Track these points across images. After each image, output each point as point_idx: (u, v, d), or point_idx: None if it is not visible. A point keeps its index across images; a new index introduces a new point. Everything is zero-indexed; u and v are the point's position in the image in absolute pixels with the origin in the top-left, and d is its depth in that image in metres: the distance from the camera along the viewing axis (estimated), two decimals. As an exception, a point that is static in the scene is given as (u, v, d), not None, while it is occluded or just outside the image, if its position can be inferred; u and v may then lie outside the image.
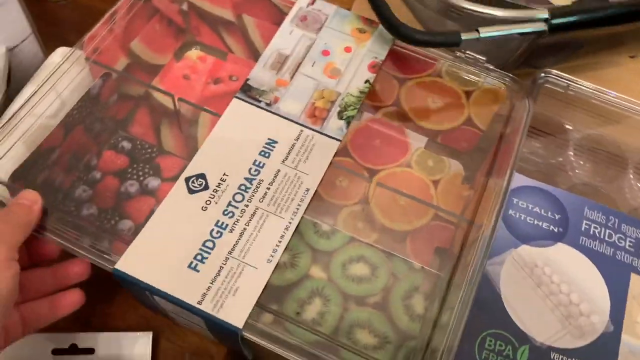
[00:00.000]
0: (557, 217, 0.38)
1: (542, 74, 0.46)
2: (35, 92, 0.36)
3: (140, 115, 0.47)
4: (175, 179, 0.45)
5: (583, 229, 0.38)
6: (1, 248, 0.29)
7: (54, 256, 0.36)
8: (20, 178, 0.36)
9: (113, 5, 0.55)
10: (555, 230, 0.38)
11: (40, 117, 0.36)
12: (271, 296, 0.40)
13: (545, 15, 0.38)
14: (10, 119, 0.35)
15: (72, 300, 0.36)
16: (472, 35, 0.38)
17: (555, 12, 0.38)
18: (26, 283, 0.34)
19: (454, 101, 0.44)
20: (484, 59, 0.41)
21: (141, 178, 0.45)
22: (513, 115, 0.40)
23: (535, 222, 0.38)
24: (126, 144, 0.46)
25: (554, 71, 0.45)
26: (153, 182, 0.45)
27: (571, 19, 0.38)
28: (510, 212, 0.39)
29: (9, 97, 0.43)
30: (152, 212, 0.43)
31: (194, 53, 0.51)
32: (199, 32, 0.50)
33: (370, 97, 0.48)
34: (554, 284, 0.37)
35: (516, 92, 0.40)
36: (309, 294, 0.41)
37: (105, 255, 0.32)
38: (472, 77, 0.41)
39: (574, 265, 0.36)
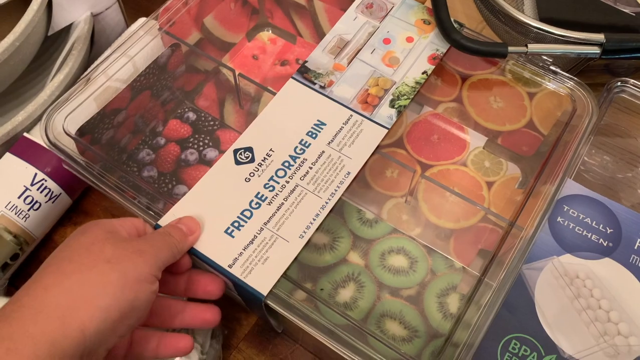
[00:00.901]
0: (609, 231, 0.36)
1: (619, 83, 0.44)
2: (110, 55, 0.39)
3: (208, 89, 0.49)
4: (231, 152, 0.47)
5: (636, 247, 0.35)
6: (152, 263, 0.29)
7: (184, 270, 0.33)
8: (87, 133, 0.39)
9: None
10: (605, 244, 0.36)
11: (111, 79, 0.39)
12: (307, 275, 0.41)
13: (601, 39, 0.37)
14: (83, 77, 0.38)
15: (181, 345, 0.32)
16: (519, 49, 0.37)
17: (611, 37, 0.37)
18: (155, 307, 0.32)
19: (516, 102, 0.43)
20: (550, 60, 0.39)
21: (201, 148, 0.47)
22: (574, 121, 0.38)
23: (584, 232, 0.37)
24: (191, 115, 0.48)
25: (632, 81, 0.43)
26: (211, 153, 0.47)
27: (626, 45, 0.37)
28: (559, 219, 0.37)
29: (91, 61, 0.47)
30: (205, 180, 0.45)
31: (265, 35, 0.53)
32: (272, 15, 0.52)
33: (432, 91, 0.48)
34: (593, 298, 0.35)
35: (581, 97, 0.38)
36: (344, 277, 0.42)
37: (150, 212, 0.34)
38: (537, 78, 0.40)
39: (619, 283, 0.34)
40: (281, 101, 0.38)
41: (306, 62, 0.40)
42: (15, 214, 0.39)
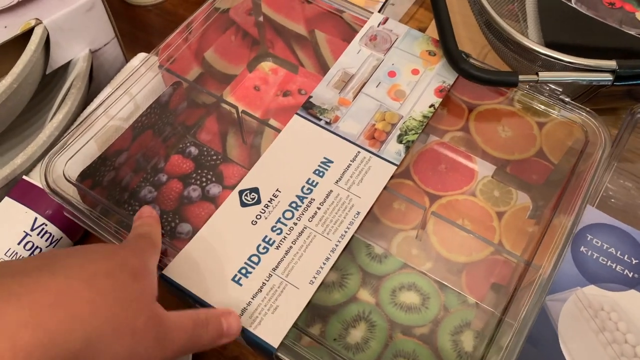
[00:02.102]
0: (634, 261, 0.35)
1: None
2: (110, 94, 0.38)
3: (209, 122, 0.48)
4: (235, 187, 0.46)
5: (659, 281, 0.34)
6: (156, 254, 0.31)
7: None
8: (88, 177, 0.38)
9: (192, 12, 0.57)
10: (631, 275, 0.35)
11: (112, 119, 0.38)
12: (316, 315, 0.40)
13: (613, 66, 0.36)
14: (83, 118, 0.37)
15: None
16: (530, 78, 0.37)
17: (623, 64, 0.36)
18: None
19: (525, 131, 0.42)
20: (560, 90, 0.39)
21: (204, 184, 0.46)
22: (588, 151, 0.37)
23: (609, 263, 0.36)
24: (193, 150, 0.47)
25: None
26: (214, 189, 0.46)
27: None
28: (582, 248, 0.36)
29: (90, 97, 0.46)
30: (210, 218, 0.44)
31: (266, 65, 0.52)
32: (273, 45, 0.51)
33: (438, 121, 0.47)
34: (619, 332, 0.34)
35: (592, 127, 0.38)
36: (354, 316, 0.40)
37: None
38: (546, 108, 0.39)
39: (643, 319, 0.33)
40: (286, 138, 0.37)
41: (311, 97, 0.39)
42: (15, 260, 0.38)
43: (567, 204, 0.35)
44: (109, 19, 0.45)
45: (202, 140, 0.48)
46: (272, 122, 0.49)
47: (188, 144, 0.48)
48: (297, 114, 0.38)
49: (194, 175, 0.46)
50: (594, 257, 0.36)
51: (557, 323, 0.33)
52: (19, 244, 0.38)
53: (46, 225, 0.39)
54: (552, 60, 0.38)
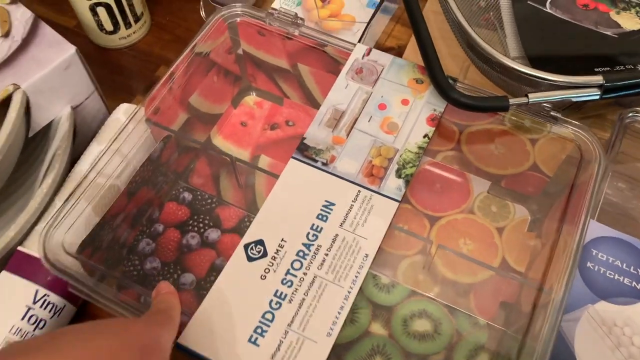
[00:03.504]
0: None
1: (630, 113, 0.44)
2: (101, 155, 0.37)
3: (200, 165, 0.48)
4: (234, 230, 0.45)
5: (667, 289, 0.35)
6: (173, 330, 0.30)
7: None
8: (88, 245, 0.37)
9: (169, 51, 0.56)
10: (639, 287, 0.35)
11: (105, 178, 0.37)
12: (331, 354, 0.40)
13: (600, 81, 0.36)
14: (78, 185, 0.36)
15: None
16: (520, 101, 0.37)
17: (609, 77, 0.36)
18: None
19: (518, 148, 0.42)
20: (549, 107, 0.39)
21: (202, 230, 0.45)
22: (584, 165, 0.38)
23: (616, 277, 0.36)
24: (187, 195, 0.47)
25: (643, 109, 0.43)
26: (213, 234, 0.45)
27: (626, 83, 0.36)
28: (589, 264, 0.36)
29: (75, 151, 0.45)
30: (212, 265, 0.44)
31: (250, 99, 0.51)
32: (255, 79, 0.50)
33: (429, 142, 0.47)
34: (634, 347, 0.35)
35: (586, 141, 0.38)
36: (369, 351, 0.40)
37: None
38: (537, 125, 0.39)
39: (656, 332, 0.33)
40: (285, 184, 0.37)
41: (304, 138, 0.39)
42: (21, 337, 0.37)
43: (571, 221, 0.36)
44: (88, 73, 0.44)
45: (194, 184, 0.47)
46: (264, 158, 0.49)
47: (181, 190, 0.47)
48: (293, 157, 0.38)
49: (191, 221, 0.46)
50: (601, 271, 0.36)
51: (573, 344, 0.34)
52: (22, 319, 0.37)
53: (48, 296, 0.38)
54: (539, 80, 0.38)
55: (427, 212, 0.46)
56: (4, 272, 0.39)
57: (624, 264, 0.36)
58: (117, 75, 0.55)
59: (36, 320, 0.38)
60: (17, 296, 0.38)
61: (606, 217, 0.40)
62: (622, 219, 0.43)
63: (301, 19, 0.43)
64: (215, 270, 0.43)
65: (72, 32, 0.57)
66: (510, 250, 0.44)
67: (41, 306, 0.38)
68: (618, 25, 0.50)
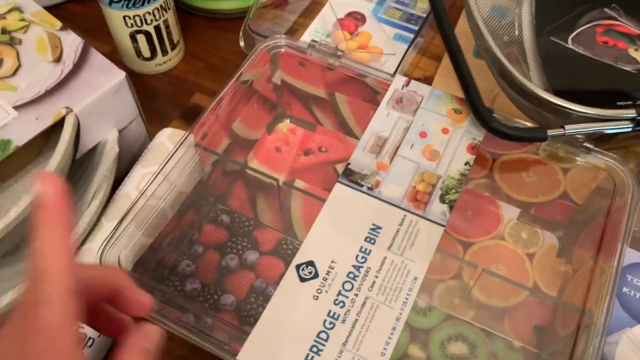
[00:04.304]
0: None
1: None
2: (152, 180, 0.38)
3: (237, 189, 0.49)
4: (272, 253, 0.46)
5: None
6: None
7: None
8: (140, 266, 0.38)
9: (203, 79, 0.58)
10: (672, 311, 0.37)
11: (155, 200, 0.39)
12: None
13: (633, 114, 0.38)
14: (130, 208, 0.37)
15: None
16: (558, 132, 0.39)
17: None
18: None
19: (550, 177, 0.44)
20: (583, 138, 0.41)
21: (240, 252, 0.46)
22: (617, 195, 0.39)
23: (651, 301, 0.38)
24: (225, 218, 0.48)
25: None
26: (252, 256, 0.46)
27: None
28: (625, 289, 0.38)
29: (115, 174, 0.46)
30: (252, 287, 0.44)
31: (284, 125, 0.53)
32: (290, 107, 0.52)
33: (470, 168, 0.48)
34: (669, 370, 0.36)
35: (619, 172, 0.40)
36: (409, 374, 0.41)
37: (225, 347, 0.33)
38: (570, 155, 0.41)
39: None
40: (332, 208, 0.38)
41: (349, 164, 0.40)
42: (70, 355, 0.38)
43: (607, 248, 0.37)
44: (134, 97, 0.45)
45: (232, 207, 0.48)
46: (298, 182, 0.50)
47: (219, 212, 0.48)
48: (339, 181, 0.39)
49: (230, 243, 0.47)
50: (637, 296, 0.38)
51: (614, 367, 0.35)
52: (71, 337, 0.38)
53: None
54: (573, 112, 0.40)
55: (460, 238, 0.47)
56: (52, 291, 0.39)
57: (659, 289, 0.38)
58: (153, 101, 0.56)
59: (85, 339, 0.38)
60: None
61: (636, 244, 0.42)
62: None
63: (341, 50, 0.45)
64: (255, 292, 0.44)
65: (107, 57, 0.59)
66: (541, 275, 0.45)
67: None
68: (636, 62, 0.53)
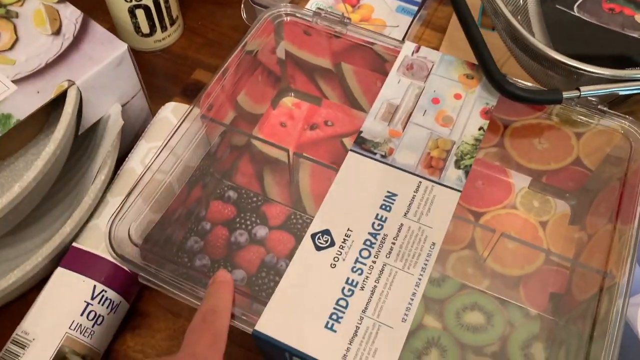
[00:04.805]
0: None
1: None
2: (159, 154, 0.37)
3: (243, 164, 0.48)
4: (282, 227, 0.45)
5: None
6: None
7: None
8: (150, 240, 0.37)
9: (203, 55, 0.56)
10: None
11: (163, 175, 0.37)
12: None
13: None
14: (136, 183, 0.36)
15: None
16: (573, 94, 0.38)
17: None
18: None
19: (562, 142, 0.43)
20: (596, 100, 0.40)
21: (249, 227, 0.45)
22: (634, 158, 0.39)
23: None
24: (232, 194, 0.47)
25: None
26: (261, 231, 0.45)
27: None
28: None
29: (120, 150, 0.44)
30: (262, 262, 0.44)
31: (288, 100, 0.52)
32: (294, 80, 0.51)
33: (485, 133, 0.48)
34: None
35: (636, 133, 0.39)
36: (424, 344, 0.41)
37: (243, 317, 0.32)
38: (585, 118, 0.41)
39: None
40: (346, 176, 0.37)
41: (361, 132, 0.39)
42: (81, 333, 0.37)
43: (627, 211, 0.37)
44: (136, 71, 0.44)
45: (239, 183, 0.47)
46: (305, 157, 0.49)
47: (226, 189, 0.47)
48: (351, 150, 0.38)
49: (238, 219, 0.46)
50: (656, 258, 0.37)
51: (637, 329, 0.35)
52: (81, 315, 0.37)
53: (105, 291, 0.38)
54: (588, 73, 0.39)
55: (472, 208, 0.47)
56: (60, 269, 0.38)
57: (677, 251, 0.37)
58: (153, 78, 0.55)
59: (95, 316, 0.37)
60: (76, 292, 0.38)
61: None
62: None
63: (348, 17, 0.44)
64: (266, 267, 0.43)
65: (105, 35, 0.57)
66: (555, 243, 0.45)
67: (99, 302, 0.38)
68: (643, 28, 0.52)
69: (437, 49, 0.56)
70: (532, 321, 0.42)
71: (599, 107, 0.40)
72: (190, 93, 0.54)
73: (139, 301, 0.42)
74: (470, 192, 0.47)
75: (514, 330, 0.41)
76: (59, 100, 0.40)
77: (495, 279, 0.43)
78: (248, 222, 0.46)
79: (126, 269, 0.38)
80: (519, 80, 0.41)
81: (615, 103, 0.46)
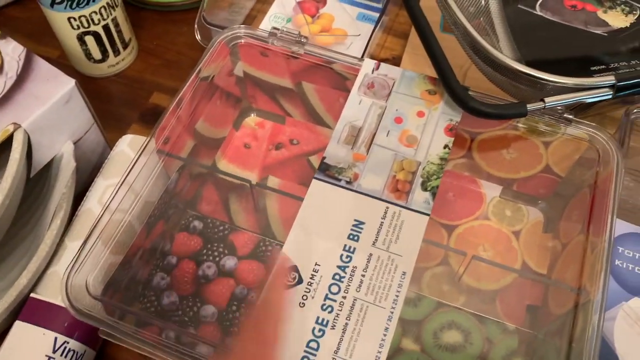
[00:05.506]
0: (664, 268, 0.36)
1: (636, 109, 0.44)
2: (115, 193, 0.36)
3: (207, 192, 0.46)
4: (251, 256, 0.44)
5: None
6: None
7: None
8: (110, 287, 0.36)
9: (160, 76, 0.55)
10: (667, 281, 0.36)
11: (121, 214, 0.36)
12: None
13: (612, 81, 0.37)
14: (93, 227, 0.34)
15: None
16: (537, 106, 0.37)
17: (621, 77, 0.37)
18: None
19: (530, 151, 0.42)
20: (562, 109, 0.39)
21: (217, 259, 0.44)
22: (602, 165, 0.38)
23: (645, 272, 0.37)
24: (197, 224, 0.45)
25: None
26: (230, 262, 0.44)
27: (638, 81, 0.37)
28: (617, 262, 0.37)
29: (75, 188, 0.43)
30: (232, 294, 0.42)
31: (251, 120, 0.50)
32: (255, 99, 0.50)
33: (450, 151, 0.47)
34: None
35: (601, 141, 0.38)
36: (404, 368, 0.40)
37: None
38: (551, 128, 0.40)
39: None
40: (311, 206, 0.36)
41: (324, 158, 0.38)
42: (45, 389, 0.35)
43: (597, 220, 0.36)
44: (87, 105, 0.42)
45: (204, 212, 0.46)
46: (272, 179, 0.48)
47: (191, 219, 0.45)
48: (316, 178, 0.37)
49: (205, 251, 0.44)
50: (630, 268, 0.37)
51: (614, 344, 0.34)
52: (44, 370, 0.35)
53: (68, 342, 0.37)
54: (552, 83, 0.38)
55: (443, 222, 0.46)
56: (18, 323, 0.37)
57: (651, 259, 0.37)
58: (108, 105, 0.53)
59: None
60: (36, 346, 0.36)
61: (622, 214, 0.41)
62: (635, 214, 0.44)
63: (305, 37, 0.43)
64: (236, 300, 0.42)
65: (56, 63, 0.54)
66: (529, 253, 0.44)
67: (62, 354, 0.36)
68: (606, 24, 0.51)
69: (400, 56, 0.55)
70: (510, 336, 0.41)
71: (564, 115, 0.39)
72: (149, 118, 0.52)
73: (108, 347, 0.41)
74: (442, 205, 0.46)
75: (492, 347, 0.41)
76: (5, 145, 0.38)
77: (471, 295, 0.42)
78: (216, 253, 0.44)
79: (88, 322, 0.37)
80: (483, 93, 0.40)
81: (582, 108, 0.46)
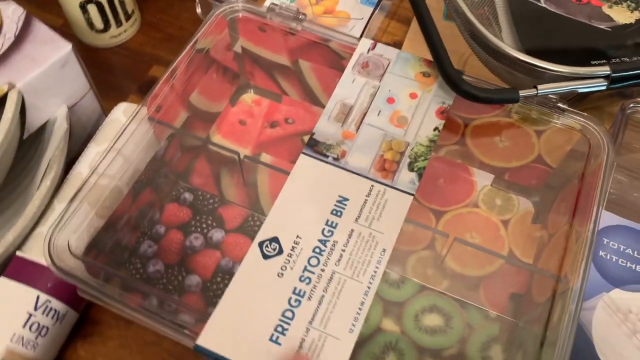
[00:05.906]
0: (649, 260, 0.36)
1: (632, 104, 0.44)
2: (104, 157, 0.36)
3: (199, 165, 0.46)
4: (239, 230, 0.44)
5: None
6: None
7: None
8: (93, 248, 0.36)
9: (161, 50, 0.55)
10: (651, 274, 0.36)
11: (108, 179, 0.36)
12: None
13: (607, 72, 0.37)
14: (80, 188, 0.35)
15: None
16: (530, 92, 0.37)
17: (616, 68, 0.37)
18: None
19: (523, 140, 0.42)
20: (556, 98, 0.39)
21: (205, 231, 0.44)
22: (592, 157, 0.38)
23: (628, 264, 0.36)
24: (188, 196, 0.46)
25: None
26: (217, 234, 0.44)
27: (632, 74, 0.37)
28: (601, 253, 0.37)
29: (69, 152, 0.43)
30: (218, 266, 0.43)
31: (248, 96, 0.51)
32: (253, 76, 0.50)
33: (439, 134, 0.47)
34: (648, 334, 0.35)
35: (593, 132, 0.38)
36: (382, 348, 0.40)
37: (185, 331, 0.31)
38: (544, 117, 0.40)
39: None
40: (296, 180, 0.36)
41: (314, 134, 0.38)
42: (23, 345, 0.36)
43: (583, 211, 0.36)
44: (84, 71, 0.42)
45: (195, 184, 0.46)
46: (265, 156, 0.48)
47: (182, 190, 0.46)
48: (304, 153, 0.37)
49: (193, 222, 0.45)
50: (613, 260, 0.36)
51: (591, 333, 0.34)
52: (24, 326, 0.36)
53: (50, 301, 0.37)
54: (546, 71, 0.38)
55: (433, 207, 0.46)
56: (2, 278, 0.37)
57: (635, 252, 0.37)
58: (109, 75, 0.53)
59: (38, 328, 0.36)
60: (18, 303, 0.36)
61: (611, 207, 0.41)
62: (627, 209, 0.43)
63: (303, 14, 0.43)
64: (221, 271, 0.42)
65: (59, 31, 0.55)
66: (516, 242, 0.44)
67: (43, 312, 0.37)
68: (611, 19, 0.51)
69: (402, 41, 0.55)
70: (491, 323, 0.41)
71: (558, 104, 0.39)
72: (147, 90, 0.52)
73: (91, 309, 0.41)
74: (432, 190, 0.46)
75: (473, 333, 0.41)
76: (0, 102, 0.38)
77: (455, 280, 0.42)
78: (204, 225, 0.44)
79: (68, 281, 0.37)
80: (478, 78, 0.40)
81: (578, 99, 0.46)
